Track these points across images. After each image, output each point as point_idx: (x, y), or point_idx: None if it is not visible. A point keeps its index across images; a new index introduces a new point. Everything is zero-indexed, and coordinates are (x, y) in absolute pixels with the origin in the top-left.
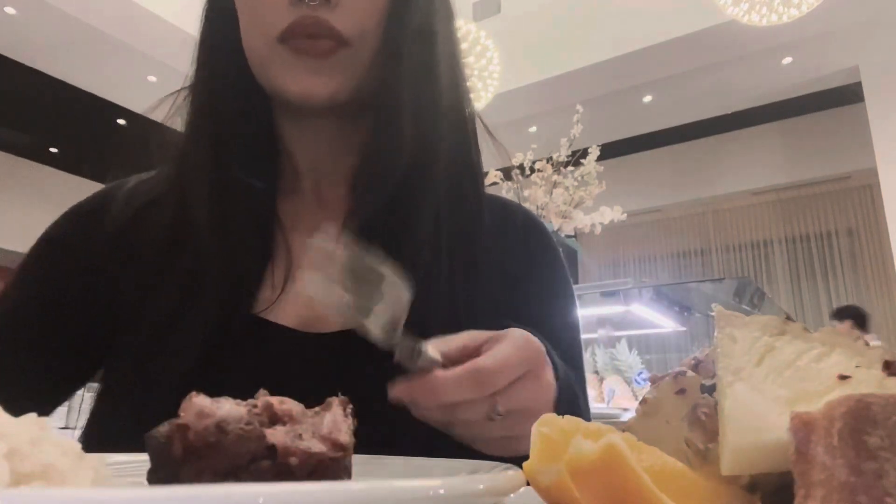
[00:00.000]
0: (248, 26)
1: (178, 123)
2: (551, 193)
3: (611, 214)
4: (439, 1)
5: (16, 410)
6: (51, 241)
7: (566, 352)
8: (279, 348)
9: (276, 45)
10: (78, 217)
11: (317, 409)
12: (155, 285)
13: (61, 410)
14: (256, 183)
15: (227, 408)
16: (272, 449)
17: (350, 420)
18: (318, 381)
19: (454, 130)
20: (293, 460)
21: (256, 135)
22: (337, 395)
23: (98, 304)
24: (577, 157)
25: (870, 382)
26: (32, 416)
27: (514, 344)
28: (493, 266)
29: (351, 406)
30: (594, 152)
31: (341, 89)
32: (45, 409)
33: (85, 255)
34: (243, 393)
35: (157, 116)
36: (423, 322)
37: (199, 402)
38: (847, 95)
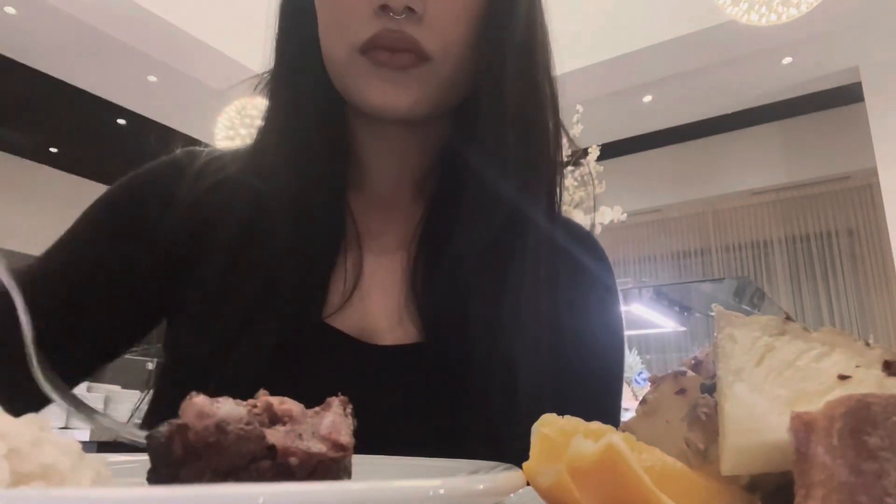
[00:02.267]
0: (329, 33)
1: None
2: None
3: (611, 214)
4: (539, 14)
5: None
6: (114, 205)
7: (591, 385)
8: (342, 358)
9: (356, 55)
10: (145, 183)
11: (317, 409)
12: (228, 278)
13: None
14: (330, 179)
15: (227, 408)
16: (272, 449)
17: (350, 420)
18: (378, 394)
19: (551, 146)
20: (293, 460)
21: (329, 132)
22: (387, 408)
23: (158, 274)
24: (577, 157)
25: (870, 382)
26: (32, 416)
27: None
28: (559, 286)
29: (351, 406)
30: (594, 152)
31: (419, 103)
32: (73, 379)
33: (151, 223)
34: (305, 402)
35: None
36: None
37: (198, 402)
38: (847, 95)
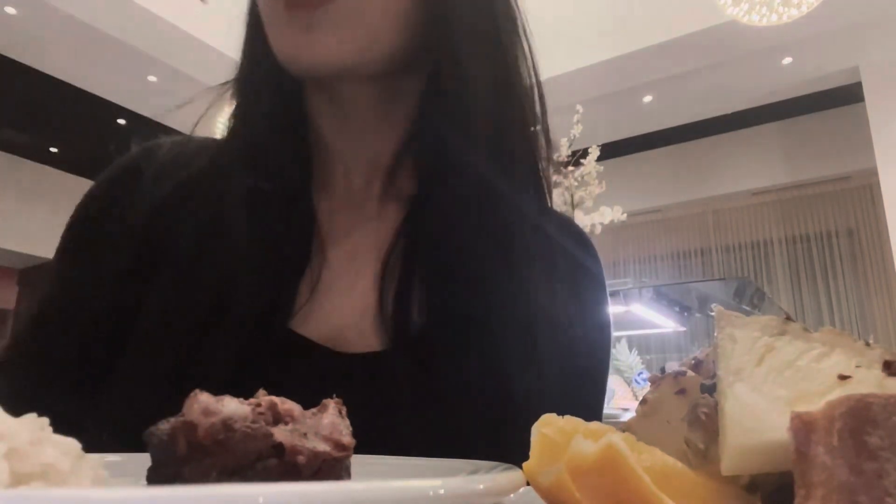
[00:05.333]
0: None
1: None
2: (551, 193)
3: (611, 214)
4: None
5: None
6: (74, 227)
7: (575, 381)
8: (308, 366)
9: (273, 3)
10: (97, 199)
11: (313, 409)
12: (186, 288)
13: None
14: (292, 180)
15: (232, 406)
16: (278, 447)
17: (347, 421)
18: (346, 404)
19: (527, 114)
20: (301, 459)
21: (290, 125)
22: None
23: (125, 292)
24: (577, 157)
25: (870, 382)
26: (32, 416)
27: None
28: (545, 280)
29: (345, 408)
30: (594, 152)
31: (342, 49)
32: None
33: (110, 239)
34: None
35: (193, 110)
36: (500, 344)
37: (203, 400)
38: (847, 95)
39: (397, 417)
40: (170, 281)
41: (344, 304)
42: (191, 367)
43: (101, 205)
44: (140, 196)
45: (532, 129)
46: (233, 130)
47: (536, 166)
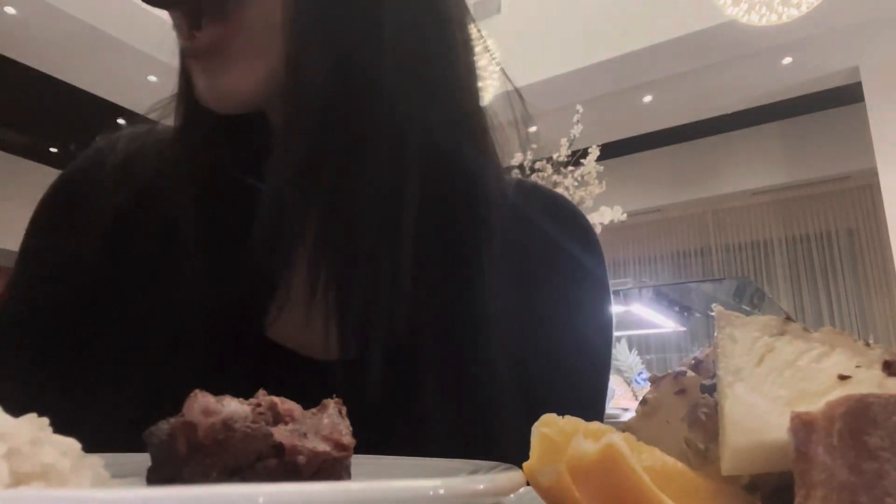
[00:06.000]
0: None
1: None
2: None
3: (611, 214)
4: None
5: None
6: (35, 233)
7: (572, 381)
8: (284, 374)
9: (186, 57)
10: (57, 205)
11: (313, 410)
12: (157, 292)
13: None
14: (253, 172)
15: (233, 406)
16: (278, 447)
17: (347, 421)
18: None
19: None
20: (301, 459)
21: (250, 128)
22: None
23: (95, 291)
24: (577, 157)
25: (870, 382)
26: (32, 416)
27: None
28: (506, 266)
29: (345, 408)
30: (594, 152)
31: (249, 86)
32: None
33: (81, 230)
34: None
35: (158, 117)
36: (415, 336)
37: (203, 400)
38: (847, 95)
39: (373, 427)
40: (139, 289)
41: (318, 308)
42: (163, 379)
43: (63, 204)
44: (102, 194)
45: (486, 122)
46: (182, 129)
47: (494, 153)
